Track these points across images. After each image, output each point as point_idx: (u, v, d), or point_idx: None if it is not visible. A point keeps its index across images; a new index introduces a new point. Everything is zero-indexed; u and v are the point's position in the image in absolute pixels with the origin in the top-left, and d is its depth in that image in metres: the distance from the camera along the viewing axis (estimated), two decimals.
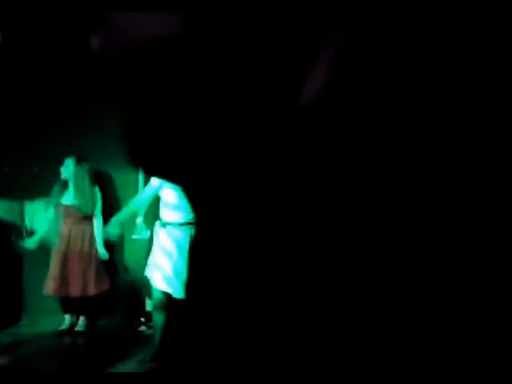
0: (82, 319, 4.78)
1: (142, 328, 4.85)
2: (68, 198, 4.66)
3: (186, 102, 0.53)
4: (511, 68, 0.51)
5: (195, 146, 0.54)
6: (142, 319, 4.92)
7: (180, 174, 0.59)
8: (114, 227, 4.14)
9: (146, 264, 3.88)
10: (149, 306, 4.72)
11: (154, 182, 3.74)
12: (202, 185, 0.57)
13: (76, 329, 4.74)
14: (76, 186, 4.62)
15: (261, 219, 0.55)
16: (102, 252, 4.67)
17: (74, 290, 4.58)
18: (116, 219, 4.09)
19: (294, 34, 0.54)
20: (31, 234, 4.70)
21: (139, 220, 4.51)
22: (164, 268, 3.66)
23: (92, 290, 4.61)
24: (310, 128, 0.52)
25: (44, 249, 4.75)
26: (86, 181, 4.68)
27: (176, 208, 3.64)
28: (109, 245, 4.72)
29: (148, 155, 0.58)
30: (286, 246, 0.54)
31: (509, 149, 0.50)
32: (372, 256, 0.52)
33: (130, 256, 5.19)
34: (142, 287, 4.71)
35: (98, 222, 4.69)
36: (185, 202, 3.43)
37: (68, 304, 4.77)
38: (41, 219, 4.79)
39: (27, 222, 4.71)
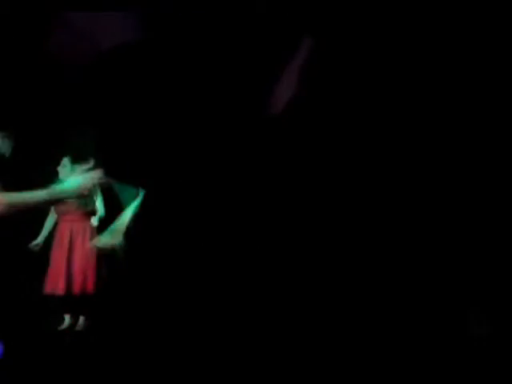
0: (81, 319, 4.77)
1: None
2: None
3: (154, 107, 0.52)
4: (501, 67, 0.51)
5: (162, 148, 0.53)
6: None
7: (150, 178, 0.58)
8: (108, 236, 4.16)
9: None
10: None
11: None
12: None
13: (76, 329, 4.73)
14: None
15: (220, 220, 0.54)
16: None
17: (75, 287, 4.59)
18: (113, 228, 4.11)
19: (267, 42, 0.54)
20: None
21: None
22: None
23: (92, 287, 4.60)
24: (278, 136, 0.52)
25: (44, 248, 4.74)
26: None
27: None
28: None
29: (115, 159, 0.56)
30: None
31: (508, 148, 0.50)
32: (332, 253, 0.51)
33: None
34: None
35: (99, 213, 4.72)
36: None
37: (68, 303, 4.77)
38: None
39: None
